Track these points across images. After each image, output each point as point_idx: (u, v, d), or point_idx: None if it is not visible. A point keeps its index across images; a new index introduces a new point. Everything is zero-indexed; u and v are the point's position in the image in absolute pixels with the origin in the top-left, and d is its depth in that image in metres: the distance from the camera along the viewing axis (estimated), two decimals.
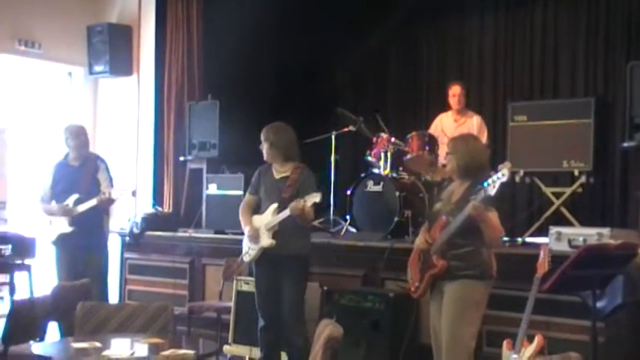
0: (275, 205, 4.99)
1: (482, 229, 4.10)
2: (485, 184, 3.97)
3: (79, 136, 6.13)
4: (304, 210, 4.85)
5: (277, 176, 5.12)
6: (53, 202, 6.01)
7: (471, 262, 4.18)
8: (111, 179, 6.14)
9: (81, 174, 6.06)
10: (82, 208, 5.88)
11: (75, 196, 5.92)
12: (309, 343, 4.88)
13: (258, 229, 5.05)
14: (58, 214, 5.97)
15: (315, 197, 4.83)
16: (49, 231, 6.07)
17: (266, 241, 5.01)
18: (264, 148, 5.11)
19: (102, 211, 6.06)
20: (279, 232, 4.98)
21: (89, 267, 5.88)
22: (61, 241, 6.00)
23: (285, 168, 5.11)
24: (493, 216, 4.13)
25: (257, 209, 5.17)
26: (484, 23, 8.42)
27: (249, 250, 5.14)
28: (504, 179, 3.94)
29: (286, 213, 4.88)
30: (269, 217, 5.02)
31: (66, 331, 4.58)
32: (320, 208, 6.03)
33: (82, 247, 5.94)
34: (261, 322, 5.14)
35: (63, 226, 5.96)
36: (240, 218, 5.20)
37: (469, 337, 4.21)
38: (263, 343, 5.16)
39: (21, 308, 4.41)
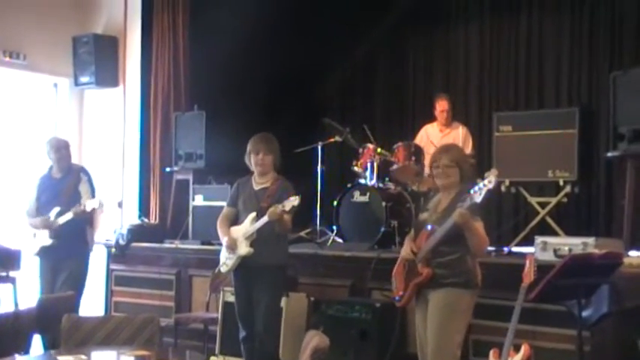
0: (253, 214, 5.00)
1: (467, 237, 4.10)
2: (472, 191, 3.98)
3: (59, 149, 6.09)
4: (282, 215, 4.84)
5: (256, 187, 5.13)
6: (37, 216, 5.99)
7: (456, 269, 4.18)
8: (93, 191, 6.09)
9: (63, 186, 6.04)
10: (61, 220, 5.86)
11: (56, 209, 5.89)
12: (277, 354, 4.94)
13: (236, 239, 5.05)
14: (40, 227, 5.96)
15: (294, 201, 4.83)
16: (32, 243, 6.04)
17: (244, 249, 5.00)
18: (262, 158, 5.06)
19: (83, 223, 6.00)
20: (257, 241, 4.98)
21: (68, 278, 5.86)
22: (43, 254, 5.98)
23: (265, 179, 5.12)
24: (479, 226, 4.14)
25: (235, 222, 5.16)
26: (469, 34, 8.48)
27: (226, 261, 5.14)
28: (491, 186, 3.93)
29: (264, 220, 4.88)
30: (247, 226, 5.02)
31: (50, 344, 4.55)
32: (305, 218, 6.04)
33: (63, 258, 5.91)
34: (242, 333, 5.14)
35: (44, 238, 5.95)
36: (218, 230, 5.20)
37: (455, 346, 4.21)
38: (246, 353, 5.16)
39: (5, 321, 4.38)
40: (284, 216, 4.89)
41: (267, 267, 4.99)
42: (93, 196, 6.02)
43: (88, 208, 5.80)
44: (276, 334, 5.12)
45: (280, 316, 5.24)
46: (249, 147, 5.13)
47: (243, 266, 5.06)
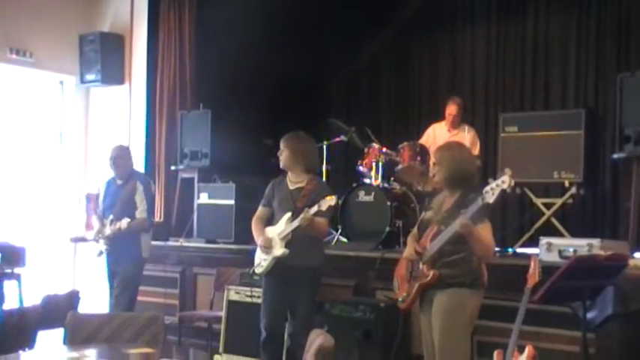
0: (289, 214, 4.92)
1: (471, 245, 4.05)
2: (484, 191, 3.92)
3: (114, 159, 6.16)
4: (313, 220, 4.79)
5: (292, 187, 5.07)
6: (103, 220, 6.12)
7: (462, 269, 4.13)
8: (148, 201, 6.12)
9: (120, 194, 6.12)
10: (107, 232, 6.00)
11: (111, 217, 6.01)
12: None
13: (271, 240, 4.98)
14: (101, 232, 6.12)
15: (330, 201, 4.76)
16: (96, 244, 6.16)
17: (279, 250, 4.92)
18: (283, 155, 5.05)
19: (135, 234, 6.05)
20: (292, 242, 4.90)
21: (122, 280, 6.01)
22: (105, 257, 6.13)
23: (300, 179, 5.06)
24: (486, 229, 4.09)
25: (269, 222, 5.09)
26: (475, 35, 8.47)
27: (261, 262, 5.04)
28: (505, 186, 3.87)
29: (297, 223, 4.83)
30: (282, 226, 4.95)
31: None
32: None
33: (118, 263, 6.06)
34: (263, 334, 5.05)
35: (102, 244, 6.08)
36: (253, 231, 5.12)
37: (462, 345, 4.18)
38: (266, 355, 5.07)
39: (10, 317, 4.39)
40: (316, 220, 4.81)
41: (303, 269, 4.91)
42: (148, 206, 6.09)
43: (122, 227, 5.88)
44: (307, 337, 5.05)
45: (314, 319, 5.11)
46: None
47: (277, 267, 4.97)
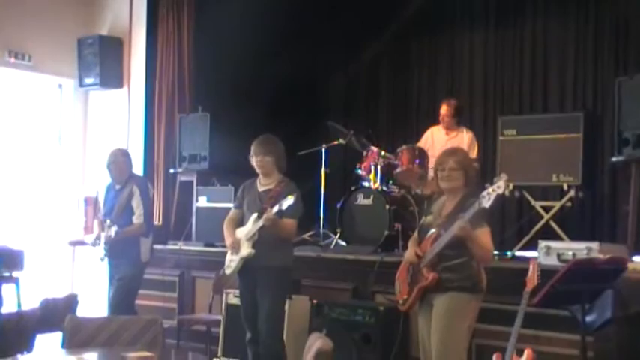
0: (255, 215, 5.00)
1: (470, 248, 4.07)
2: (481, 196, 3.95)
3: (109, 165, 6.16)
4: (275, 221, 4.83)
5: (261, 189, 5.13)
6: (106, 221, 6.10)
7: (463, 273, 4.15)
8: (145, 205, 6.07)
9: (118, 199, 6.10)
10: (105, 237, 6.00)
11: (108, 222, 6.01)
12: (283, 355, 4.93)
13: (239, 240, 5.06)
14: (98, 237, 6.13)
15: (289, 200, 4.79)
16: (97, 248, 6.15)
17: (245, 250, 5.01)
18: (261, 160, 5.07)
19: (134, 237, 6.04)
20: (259, 242, 4.97)
21: (118, 281, 6.00)
22: (106, 260, 6.13)
23: (270, 180, 5.12)
24: (485, 233, 4.11)
25: (241, 224, 5.16)
26: (474, 38, 8.47)
27: (230, 263, 5.15)
28: (500, 191, 3.91)
29: (260, 224, 4.90)
30: (249, 226, 5.03)
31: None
32: (308, 221, 6.03)
33: (117, 267, 6.07)
34: (247, 335, 5.13)
35: (102, 247, 6.07)
36: (224, 231, 5.20)
37: (460, 350, 4.19)
38: (251, 355, 5.14)
39: (9, 321, 4.39)
40: (282, 220, 4.88)
41: (269, 268, 4.97)
42: (145, 210, 6.06)
43: (112, 236, 5.90)
44: (279, 337, 5.11)
45: (283, 319, 5.22)
46: (251, 150, 5.14)
47: (246, 268, 5.05)
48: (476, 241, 4.05)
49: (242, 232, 5.07)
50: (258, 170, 5.12)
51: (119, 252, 5.97)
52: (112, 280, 6.13)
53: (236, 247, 5.06)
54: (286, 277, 5.15)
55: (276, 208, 4.83)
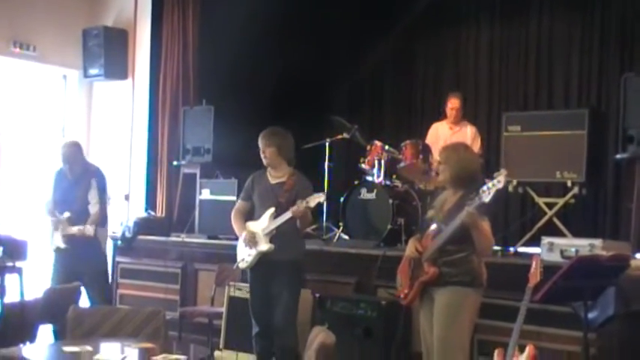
0: (272, 210, 4.97)
1: (474, 237, 4.10)
2: (481, 190, 3.97)
3: (65, 161, 6.09)
4: (307, 212, 4.86)
5: (273, 181, 5.10)
6: (55, 214, 6.03)
7: (463, 268, 4.18)
8: (101, 197, 6.07)
9: (74, 191, 6.06)
10: (70, 232, 5.93)
11: (67, 214, 5.95)
12: (298, 349, 4.92)
13: (255, 234, 5.02)
14: (53, 227, 6.03)
15: (319, 197, 4.84)
16: (50, 238, 6.10)
17: (264, 245, 4.97)
18: (269, 152, 5.06)
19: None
20: (275, 236, 4.96)
21: (90, 279, 5.89)
22: (59, 253, 6.06)
23: (280, 173, 5.10)
24: (485, 225, 4.14)
25: (249, 216, 5.14)
26: (480, 34, 8.46)
27: (245, 257, 5.09)
28: (500, 186, 3.93)
29: (287, 215, 4.87)
30: (266, 221, 4.99)
31: (60, 335, 4.57)
32: (312, 215, 6.02)
33: (79, 261, 5.97)
34: (255, 329, 5.11)
35: (59, 240, 6.01)
36: (234, 225, 5.18)
37: (462, 344, 4.20)
38: (258, 349, 5.14)
39: (12, 311, 4.40)
40: (307, 212, 4.90)
41: (286, 263, 4.97)
42: (99, 197, 6.03)
43: (90, 234, 5.86)
44: (295, 331, 5.09)
45: (297, 312, 5.18)
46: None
47: (261, 262, 5.02)
48: (481, 229, 4.07)
49: (257, 227, 5.03)
50: (264, 162, 5.12)
51: (81, 246, 5.91)
52: (73, 273, 5.83)
53: (252, 242, 5.02)
54: (301, 270, 5.17)
55: (304, 204, 4.82)
